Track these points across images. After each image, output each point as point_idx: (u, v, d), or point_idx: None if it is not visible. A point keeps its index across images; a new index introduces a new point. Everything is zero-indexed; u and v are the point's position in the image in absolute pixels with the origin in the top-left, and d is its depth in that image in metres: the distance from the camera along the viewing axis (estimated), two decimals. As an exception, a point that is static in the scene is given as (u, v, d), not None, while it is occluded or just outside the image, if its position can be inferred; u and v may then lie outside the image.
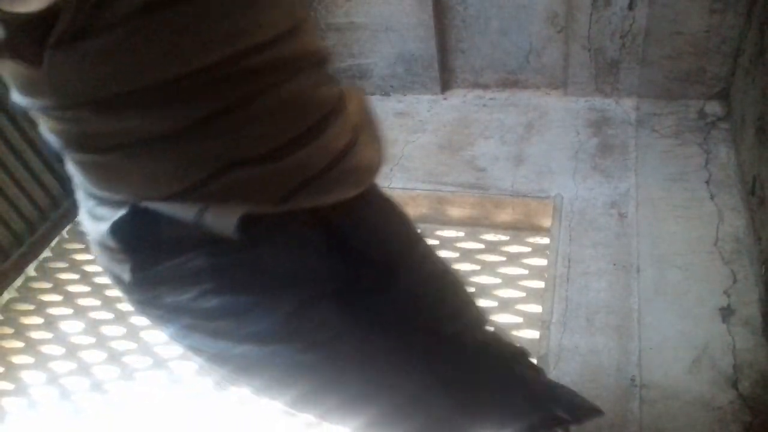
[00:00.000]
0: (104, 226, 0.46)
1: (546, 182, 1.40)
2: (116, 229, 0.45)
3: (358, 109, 0.53)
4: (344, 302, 0.54)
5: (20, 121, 1.46)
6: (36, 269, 1.50)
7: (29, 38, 0.37)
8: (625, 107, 1.57)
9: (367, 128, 0.54)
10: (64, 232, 1.58)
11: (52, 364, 1.28)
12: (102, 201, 0.47)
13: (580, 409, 0.77)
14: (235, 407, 1.13)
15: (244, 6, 0.40)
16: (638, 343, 1.05)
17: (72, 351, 1.30)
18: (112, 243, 0.46)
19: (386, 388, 0.57)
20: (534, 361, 0.81)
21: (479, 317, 0.72)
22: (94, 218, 0.48)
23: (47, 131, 0.45)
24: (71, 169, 0.48)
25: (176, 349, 1.26)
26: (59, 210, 1.58)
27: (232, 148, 0.43)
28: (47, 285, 1.46)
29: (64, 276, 1.47)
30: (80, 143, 0.44)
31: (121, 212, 0.45)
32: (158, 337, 1.29)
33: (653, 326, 1.08)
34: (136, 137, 0.42)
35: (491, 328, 0.74)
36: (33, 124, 1.49)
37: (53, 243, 1.55)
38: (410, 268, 0.61)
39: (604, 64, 1.54)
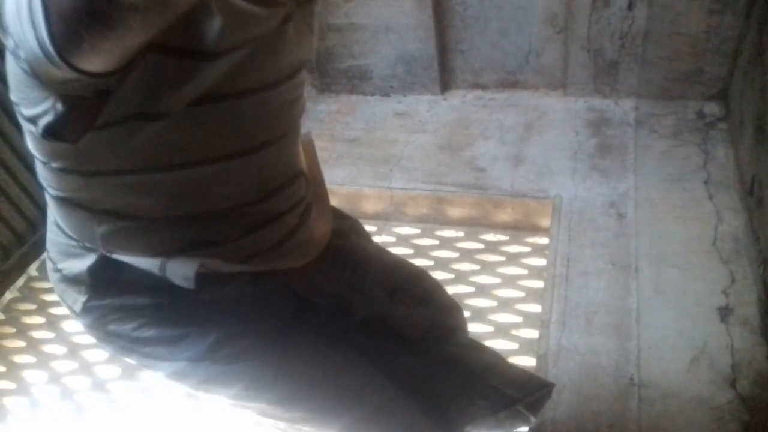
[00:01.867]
0: (78, 263, 0.54)
1: (545, 182, 1.41)
2: (92, 269, 0.53)
3: (312, 184, 0.60)
4: (280, 335, 0.60)
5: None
6: (38, 269, 1.51)
7: (80, 119, 0.39)
8: (624, 108, 1.57)
9: (318, 203, 0.61)
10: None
11: (54, 364, 1.28)
12: (74, 242, 0.54)
13: (528, 385, 0.79)
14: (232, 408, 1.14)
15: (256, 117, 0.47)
16: (637, 343, 1.06)
17: (74, 350, 1.31)
18: (85, 278, 0.54)
19: (343, 400, 0.62)
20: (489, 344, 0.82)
21: (437, 309, 0.75)
22: (65, 254, 0.55)
23: (44, 175, 0.50)
24: (51, 207, 0.54)
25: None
26: (61, 210, 1.58)
27: (199, 236, 0.51)
28: (49, 284, 1.46)
29: (65, 276, 1.48)
30: (73, 199, 0.50)
31: (94, 256, 0.53)
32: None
33: (652, 326, 1.08)
34: (122, 211, 0.48)
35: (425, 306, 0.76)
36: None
37: (55, 243, 1.56)
38: (365, 299, 0.67)
39: (603, 64, 1.54)
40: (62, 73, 0.33)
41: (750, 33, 1.32)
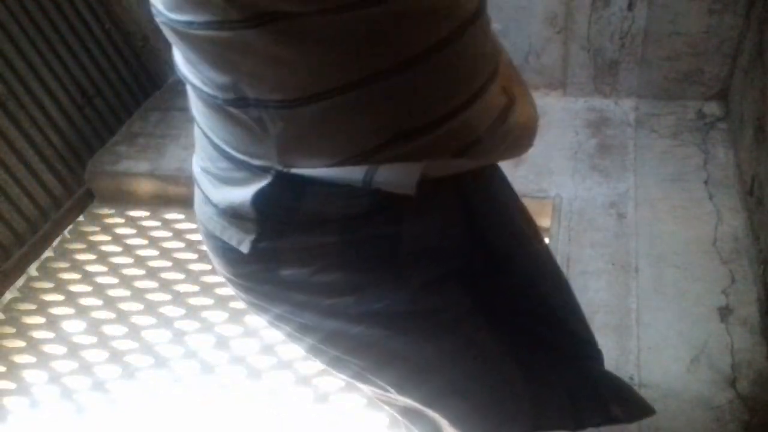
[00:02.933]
0: (240, 192, 0.42)
1: (545, 182, 1.41)
2: (259, 197, 0.41)
3: (506, 66, 0.48)
4: (466, 283, 0.50)
5: (22, 120, 1.47)
6: (38, 269, 1.51)
7: None
8: (624, 108, 1.57)
9: (517, 85, 0.49)
10: (66, 232, 1.59)
11: (54, 364, 1.28)
12: (240, 164, 0.42)
13: (635, 408, 0.74)
14: (235, 406, 1.14)
15: None
16: (637, 343, 1.06)
17: (73, 350, 1.31)
18: (249, 211, 0.42)
19: (487, 376, 0.54)
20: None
21: (576, 309, 0.69)
22: (223, 181, 0.44)
23: (203, 62, 0.38)
24: (208, 120, 0.43)
25: (178, 349, 1.27)
26: (61, 210, 1.58)
27: (402, 115, 0.40)
28: (49, 285, 1.46)
29: (65, 276, 1.48)
30: (247, 85, 0.38)
31: (265, 180, 0.41)
32: (160, 336, 1.30)
33: (652, 326, 1.08)
34: (314, 87, 0.37)
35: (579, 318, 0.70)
36: (34, 123, 1.52)
37: (55, 243, 1.56)
38: (526, 258, 0.57)
39: (603, 64, 1.54)
40: None
41: (750, 33, 1.32)
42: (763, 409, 0.94)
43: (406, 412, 0.61)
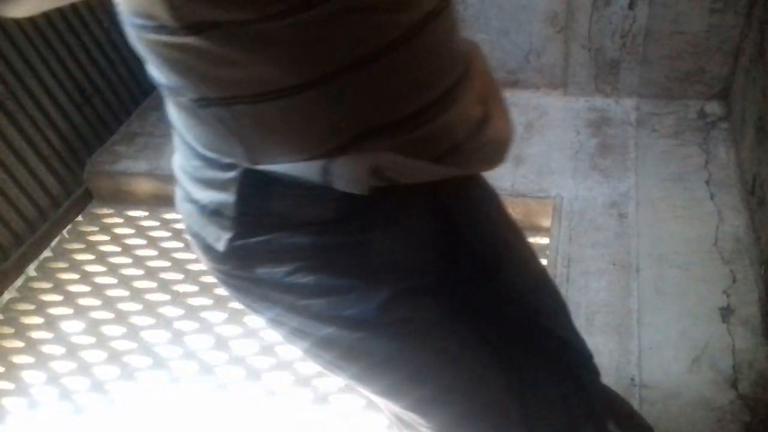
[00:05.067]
0: (219, 193, 0.43)
1: (546, 182, 1.41)
2: (236, 197, 0.42)
3: (484, 77, 0.48)
4: (442, 294, 0.51)
5: (20, 120, 1.46)
6: (36, 269, 1.50)
7: None
8: (625, 107, 1.57)
9: (495, 100, 0.49)
10: (65, 232, 1.58)
11: (53, 364, 1.28)
12: (210, 162, 0.43)
13: (632, 426, 0.75)
14: (234, 407, 1.14)
15: None
16: (638, 343, 1.06)
17: (72, 351, 1.30)
18: (227, 209, 0.43)
19: (468, 385, 0.54)
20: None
21: (567, 318, 0.69)
22: (198, 180, 0.45)
23: (163, 65, 0.40)
24: (179, 120, 0.44)
25: (177, 349, 1.27)
26: (59, 210, 1.58)
27: (367, 111, 0.40)
28: (47, 285, 1.46)
29: (64, 276, 1.47)
30: (205, 86, 0.39)
31: (236, 179, 0.42)
32: (159, 336, 1.30)
33: (653, 326, 1.08)
34: (269, 85, 0.37)
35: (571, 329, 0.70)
36: (33, 123, 1.51)
37: (53, 243, 1.55)
38: (513, 263, 0.57)
39: (604, 63, 1.54)
40: None
41: (751, 32, 1.31)
42: (765, 409, 0.93)
43: (398, 420, 0.62)
